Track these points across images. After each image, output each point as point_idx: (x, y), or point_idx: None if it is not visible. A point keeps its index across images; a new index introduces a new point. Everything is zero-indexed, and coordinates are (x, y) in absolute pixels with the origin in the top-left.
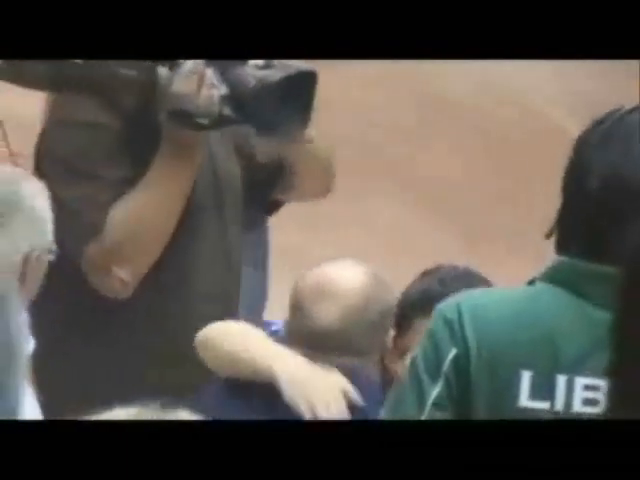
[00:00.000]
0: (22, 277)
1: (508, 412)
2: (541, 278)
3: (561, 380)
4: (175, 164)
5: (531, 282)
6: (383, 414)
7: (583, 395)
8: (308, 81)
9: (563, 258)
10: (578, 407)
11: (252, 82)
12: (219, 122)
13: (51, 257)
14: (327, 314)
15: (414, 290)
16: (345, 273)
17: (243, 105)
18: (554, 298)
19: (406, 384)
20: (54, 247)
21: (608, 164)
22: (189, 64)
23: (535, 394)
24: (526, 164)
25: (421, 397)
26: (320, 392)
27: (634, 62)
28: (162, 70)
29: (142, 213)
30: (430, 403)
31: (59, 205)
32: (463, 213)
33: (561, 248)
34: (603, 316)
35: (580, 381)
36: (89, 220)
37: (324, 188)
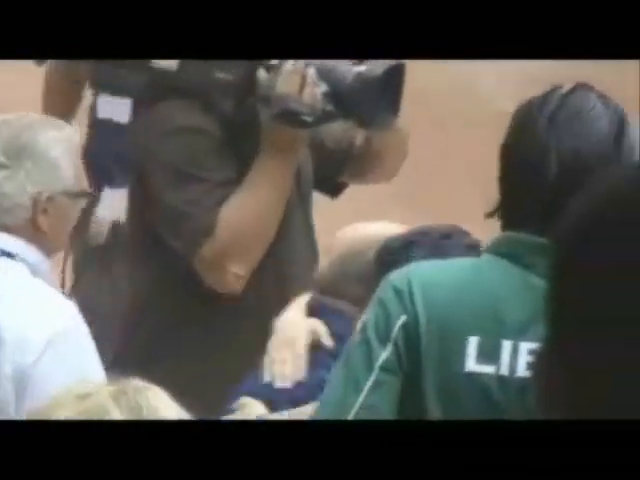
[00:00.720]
0: (34, 219)
1: (456, 376)
2: (487, 250)
3: (506, 345)
4: (278, 161)
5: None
6: (333, 375)
7: (527, 359)
8: (398, 73)
9: (509, 232)
10: (522, 371)
11: (349, 78)
12: (323, 118)
13: (81, 202)
14: (322, 263)
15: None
16: (353, 229)
17: (342, 100)
18: (499, 269)
19: (356, 348)
20: (78, 190)
21: (561, 146)
22: (289, 65)
23: (481, 359)
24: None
25: (370, 360)
26: (277, 355)
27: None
28: (262, 73)
29: (251, 211)
30: (378, 366)
31: (170, 210)
32: (438, 198)
33: (507, 226)
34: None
35: (524, 346)
36: (200, 222)
37: (396, 170)
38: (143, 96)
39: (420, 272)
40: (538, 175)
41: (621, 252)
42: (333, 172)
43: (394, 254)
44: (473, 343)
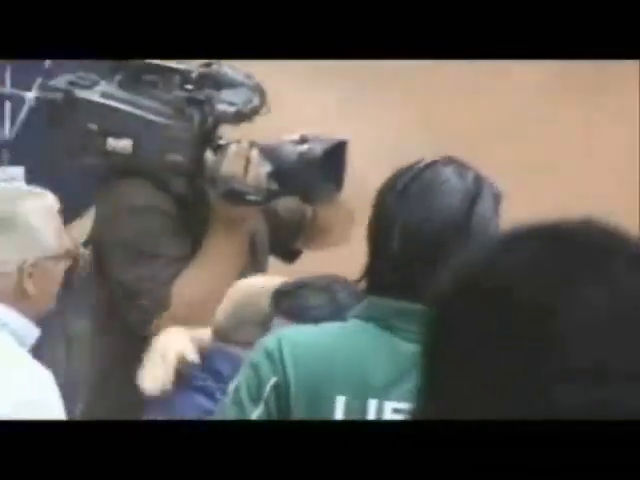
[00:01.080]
0: (19, 287)
1: None
2: (353, 315)
3: (372, 404)
4: (228, 237)
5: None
6: None
7: (392, 417)
8: (340, 150)
9: (373, 297)
10: None
11: (292, 158)
12: (268, 197)
13: (66, 263)
14: (217, 312)
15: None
16: (246, 281)
17: (286, 179)
18: (365, 332)
19: (229, 409)
20: (61, 253)
21: (409, 218)
22: (234, 147)
23: (349, 417)
24: None
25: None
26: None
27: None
28: (209, 155)
29: (204, 286)
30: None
31: (125, 286)
32: None
33: (371, 290)
34: (409, 348)
35: (389, 405)
36: (154, 296)
37: (346, 239)
38: (100, 178)
39: (290, 336)
40: (385, 245)
41: (474, 341)
42: (288, 239)
43: (289, 294)
44: (340, 402)
